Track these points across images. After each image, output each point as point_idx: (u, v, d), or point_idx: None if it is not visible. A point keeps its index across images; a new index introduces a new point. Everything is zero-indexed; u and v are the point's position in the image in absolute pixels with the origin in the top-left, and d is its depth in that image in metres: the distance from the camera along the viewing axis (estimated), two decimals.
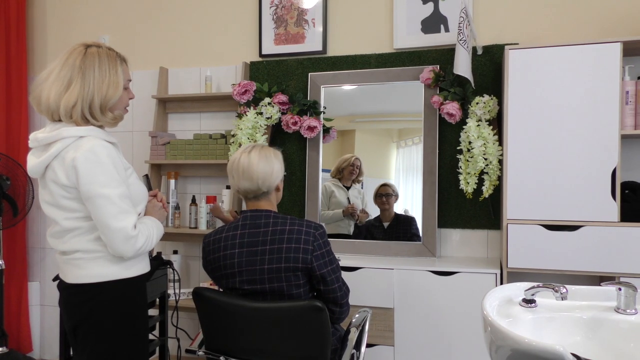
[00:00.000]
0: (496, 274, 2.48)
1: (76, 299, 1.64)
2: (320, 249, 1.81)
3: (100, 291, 1.62)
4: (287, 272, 1.78)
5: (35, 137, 1.62)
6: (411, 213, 2.90)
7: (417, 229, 2.88)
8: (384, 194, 2.97)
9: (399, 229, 2.94)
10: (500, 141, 2.65)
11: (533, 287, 1.38)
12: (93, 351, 1.64)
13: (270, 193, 1.90)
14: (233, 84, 3.16)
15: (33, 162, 1.61)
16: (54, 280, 1.85)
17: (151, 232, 1.66)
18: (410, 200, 2.91)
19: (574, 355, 1.01)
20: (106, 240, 1.57)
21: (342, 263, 2.68)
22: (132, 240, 1.57)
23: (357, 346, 1.97)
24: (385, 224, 2.95)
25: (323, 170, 3.08)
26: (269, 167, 1.86)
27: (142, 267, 1.72)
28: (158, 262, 2.49)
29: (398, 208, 2.96)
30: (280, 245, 1.78)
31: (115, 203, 1.55)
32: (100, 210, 1.54)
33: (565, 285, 1.35)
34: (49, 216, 1.65)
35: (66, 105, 1.57)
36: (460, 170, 2.72)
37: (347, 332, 1.95)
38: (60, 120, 1.61)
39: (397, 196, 2.96)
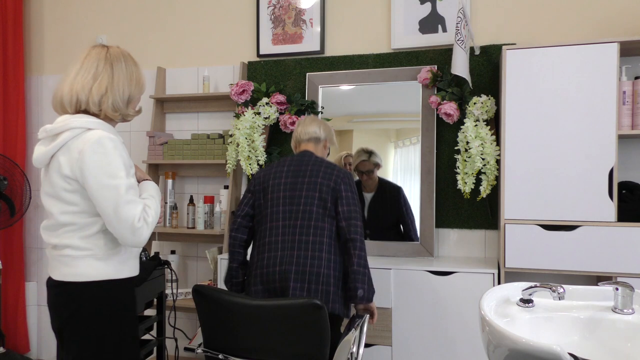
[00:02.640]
0: (494, 273, 2.49)
1: (62, 298, 1.63)
2: (347, 178, 2.18)
3: (87, 291, 1.60)
4: (319, 200, 2.13)
5: (44, 128, 1.63)
6: (410, 214, 2.90)
7: (405, 200, 2.85)
8: (364, 171, 2.94)
9: (385, 200, 2.87)
10: (497, 141, 2.66)
11: (530, 287, 1.38)
12: (78, 355, 1.61)
13: (321, 141, 2.36)
14: (231, 84, 3.16)
15: (39, 152, 1.61)
16: None
17: (154, 211, 1.64)
18: (408, 200, 2.91)
19: (571, 355, 1.01)
20: (114, 233, 1.57)
21: None
22: (138, 232, 1.57)
23: (355, 346, 1.97)
24: (369, 195, 2.90)
25: None
26: (330, 130, 2.43)
27: (131, 269, 1.70)
28: (155, 262, 2.49)
29: (385, 174, 2.94)
30: (316, 179, 2.16)
31: (121, 194, 1.54)
32: (106, 202, 1.53)
33: (563, 285, 1.35)
34: (47, 208, 1.63)
35: (97, 94, 1.60)
36: (458, 170, 2.72)
37: (345, 332, 1.95)
38: (71, 113, 1.62)
39: (378, 165, 2.92)
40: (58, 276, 1.63)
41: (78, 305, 1.60)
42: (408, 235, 2.87)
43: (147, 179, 1.76)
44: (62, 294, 1.63)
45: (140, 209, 1.58)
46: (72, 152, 1.56)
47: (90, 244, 1.61)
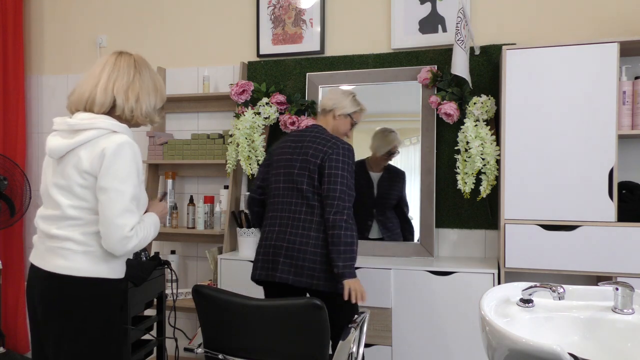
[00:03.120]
0: (494, 273, 2.49)
1: (54, 291, 1.63)
2: (336, 155, 2.16)
3: (81, 287, 1.63)
4: (308, 178, 2.18)
5: (65, 121, 1.65)
6: (409, 213, 2.90)
7: (403, 183, 2.92)
8: (393, 153, 2.97)
9: (392, 181, 2.94)
10: (497, 141, 2.66)
11: (530, 287, 1.38)
12: (70, 348, 1.63)
13: (328, 112, 2.35)
14: (231, 84, 3.16)
15: (58, 143, 1.63)
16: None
17: (147, 233, 1.69)
18: (408, 200, 2.91)
19: (571, 355, 1.01)
20: (103, 233, 1.60)
21: None
22: (125, 241, 1.60)
23: (355, 346, 1.97)
24: (376, 175, 2.95)
25: None
26: (342, 97, 2.36)
27: (122, 271, 1.74)
28: (155, 262, 2.49)
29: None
30: (306, 157, 2.20)
31: (125, 201, 1.59)
32: (110, 203, 1.58)
33: (563, 285, 1.35)
34: (54, 200, 1.64)
35: (133, 99, 1.68)
36: (458, 170, 2.72)
37: (346, 332, 1.95)
38: (96, 113, 1.66)
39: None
40: (52, 267, 1.63)
41: (72, 299, 1.62)
42: (405, 216, 2.92)
43: (152, 212, 1.81)
44: (54, 287, 1.63)
45: (136, 221, 1.63)
46: (95, 149, 1.60)
47: (92, 240, 1.64)
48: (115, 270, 1.69)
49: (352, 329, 1.94)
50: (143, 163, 3.29)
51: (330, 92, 2.41)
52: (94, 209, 1.63)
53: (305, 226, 2.16)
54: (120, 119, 1.70)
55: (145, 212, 1.79)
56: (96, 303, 1.64)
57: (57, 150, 1.64)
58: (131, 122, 1.73)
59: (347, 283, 2.10)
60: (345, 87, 3.06)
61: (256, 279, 2.24)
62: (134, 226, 1.62)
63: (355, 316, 2.05)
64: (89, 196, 1.62)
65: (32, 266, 1.72)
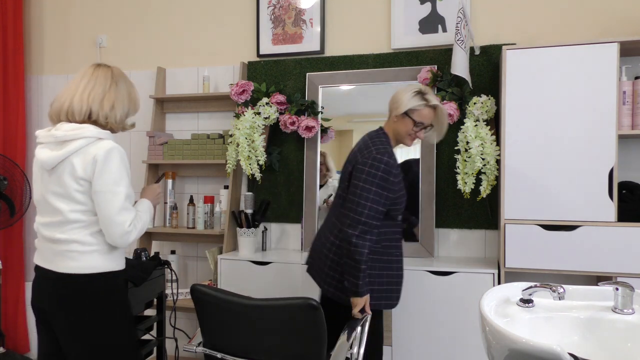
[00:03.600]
0: (494, 273, 2.49)
1: (69, 289, 1.77)
2: (363, 164, 2.05)
3: (93, 282, 1.77)
4: (342, 185, 2.18)
5: (52, 134, 1.77)
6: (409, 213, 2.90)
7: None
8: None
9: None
10: (497, 141, 2.66)
11: (530, 287, 1.38)
12: (93, 341, 1.77)
13: (390, 116, 2.19)
14: (231, 84, 3.16)
15: (48, 155, 1.75)
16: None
17: (144, 222, 1.86)
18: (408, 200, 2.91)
19: (571, 355, 1.01)
20: (105, 232, 1.77)
21: None
22: (126, 236, 1.77)
23: (356, 346, 1.97)
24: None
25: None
26: (401, 93, 2.15)
27: (123, 262, 1.90)
28: (155, 262, 2.49)
29: None
30: (346, 163, 2.19)
31: (120, 200, 1.75)
32: (107, 204, 1.74)
33: (563, 285, 1.35)
34: (54, 207, 1.77)
35: (107, 107, 1.82)
36: (458, 170, 2.72)
37: (345, 332, 1.95)
38: (78, 122, 1.79)
39: None
40: (63, 269, 1.76)
41: (86, 295, 1.77)
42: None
43: (145, 198, 1.99)
44: (67, 286, 1.76)
45: (133, 216, 1.80)
46: (86, 156, 1.74)
47: (96, 239, 1.78)
48: (118, 263, 1.85)
49: (349, 329, 1.94)
50: (143, 163, 3.31)
51: (399, 93, 2.16)
52: (92, 210, 1.77)
53: (332, 230, 2.17)
54: (101, 126, 1.83)
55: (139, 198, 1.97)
56: (108, 294, 1.80)
57: (49, 162, 1.75)
58: (105, 127, 1.84)
59: (353, 300, 2.06)
60: (345, 87, 3.06)
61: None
62: (131, 221, 1.78)
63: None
64: (86, 200, 1.76)
65: (39, 268, 1.83)
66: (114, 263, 1.83)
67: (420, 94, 2.11)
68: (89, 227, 1.77)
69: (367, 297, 2.05)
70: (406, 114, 2.11)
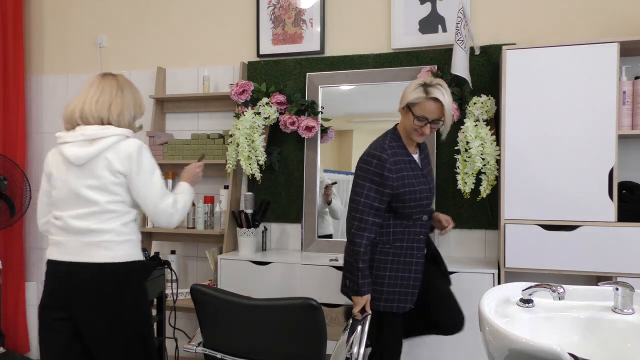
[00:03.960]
0: (494, 273, 2.49)
1: (108, 278, 1.87)
2: (359, 162, 2.10)
3: (131, 270, 1.92)
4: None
5: (81, 133, 1.92)
6: None
7: None
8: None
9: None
10: (497, 141, 2.66)
11: (530, 287, 1.38)
12: (124, 327, 1.89)
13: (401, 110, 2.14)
14: (231, 84, 3.16)
15: (79, 151, 1.89)
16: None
17: (184, 203, 2.04)
18: None
19: (571, 355, 1.01)
20: (153, 219, 1.98)
21: (340, 263, 2.69)
22: (171, 217, 1.97)
23: (356, 346, 1.97)
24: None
25: (324, 171, 3.08)
26: (408, 87, 2.11)
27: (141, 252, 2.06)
28: (155, 262, 2.49)
29: None
30: None
31: (158, 189, 1.94)
32: (149, 192, 1.92)
33: (563, 285, 1.35)
34: (89, 199, 1.88)
35: (115, 112, 1.99)
36: (458, 170, 2.72)
37: (345, 333, 1.95)
38: (99, 124, 1.95)
39: None
40: (99, 259, 1.86)
41: (126, 282, 1.90)
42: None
43: (182, 181, 2.17)
44: (107, 275, 1.87)
45: (172, 200, 1.98)
46: (120, 152, 1.90)
47: (129, 229, 1.94)
48: (141, 253, 2.00)
49: (348, 330, 1.94)
50: None
51: (410, 86, 2.10)
52: (125, 202, 1.93)
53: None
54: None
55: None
56: (141, 281, 1.97)
57: (82, 157, 1.89)
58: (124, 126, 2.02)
59: (353, 299, 2.07)
60: (345, 87, 3.06)
61: None
62: (172, 204, 1.96)
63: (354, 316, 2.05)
64: (121, 191, 1.91)
65: (62, 263, 1.89)
66: (139, 253, 1.98)
67: (424, 86, 2.03)
68: (122, 218, 1.91)
69: (367, 297, 2.05)
70: (408, 107, 2.07)
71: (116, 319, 1.88)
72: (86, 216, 1.88)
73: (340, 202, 3.08)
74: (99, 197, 1.89)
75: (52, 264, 1.92)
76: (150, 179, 1.93)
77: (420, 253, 2.14)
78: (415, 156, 2.18)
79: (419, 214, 2.13)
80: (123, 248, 1.90)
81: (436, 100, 2.02)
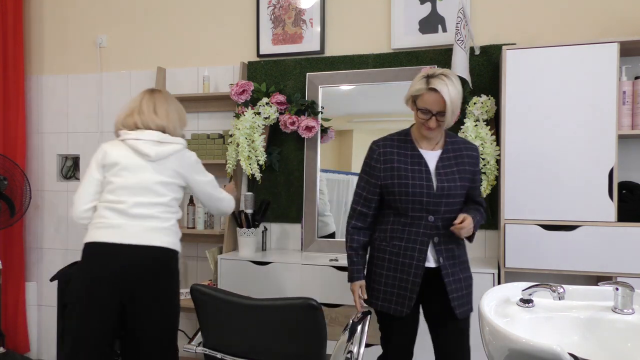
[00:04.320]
0: (494, 274, 2.49)
1: (165, 258, 2.16)
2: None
3: (175, 257, 2.21)
4: None
5: (153, 135, 2.20)
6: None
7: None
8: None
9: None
10: (497, 141, 2.66)
11: (530, 287, 1.38)
12: (171, 304, 2.18)
13: None
14: (231, 84, 3.16)
15: (155, 150, 2.18)
16: (52, 279, 1.93)
17: (230, 198, 2.46)
18: None
19: (571, 354, 1.01)
20: (217, 207, 2.40)
21: (341, 263, 2.69)
22: (230, 204, 2.45)
23: (356, 346, 1.96)
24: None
25: (321, 171, 3.08)
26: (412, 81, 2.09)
27: None
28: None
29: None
30: None
31: (214, 186, 2.37)
32: (209, 190, 2.34)
33: (563, 285, 1.35)
34: (158, 191, 2.17)
35: (172, 124, 2.29)
36: None
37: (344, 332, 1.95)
38: (161, 132, 2.25)
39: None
40: (162, 243, 2.14)
41: (174, 266, 2.20)
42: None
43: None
44: (163, 256, 2.16)
45: (224, 193, 2.44)
46: (183, 159, 2.25)
47: (177, 223, 2.26)
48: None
49: (348, 329, 1.94)
50: None
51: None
52: (179, 201, 2.27)
53: None
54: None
55: None
56: (178, 270, 2.24)
57: (158, 154, 2.18)
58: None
59: (351, 287, 2.13)
60: (345, 87, 3.06)
61: None
62: (228, 196, 2.44)
63: (354, 316, 2.05)
64: (179, 193, 2.26)
65: (116, 245, 2.08)
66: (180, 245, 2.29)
67: (427, 77, 1.95)
68: (176, 214, 2.24)
69: (356, 285, 2.09)
70: (413, 100, 2.01)
71: (159, 297, 2.13)
72: (150, 205, 2.15)
73: (335, 200, 3.08)
74: (168, 192, 2.19)
75: (101, 246, 2.09)
76: (207, 178, 2.33)
77: (422, 256, 1.99)
78: (430, 152, 2.04)
79: (418, 211, 1.99)
80: (175, 238, 2.21)
81: (436, 91, 1.92)
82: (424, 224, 2.00)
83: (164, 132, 2.24)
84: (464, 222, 1.94)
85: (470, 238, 2.08)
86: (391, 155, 2.05)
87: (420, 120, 1.99)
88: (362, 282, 2.09)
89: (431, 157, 2.04)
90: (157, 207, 2.17)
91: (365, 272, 2.12)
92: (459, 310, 2.04)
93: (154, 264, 2.12)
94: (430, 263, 2.03)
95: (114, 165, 2.17)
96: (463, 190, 2.03)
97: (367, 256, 2.15)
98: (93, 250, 2.11)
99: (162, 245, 2.14)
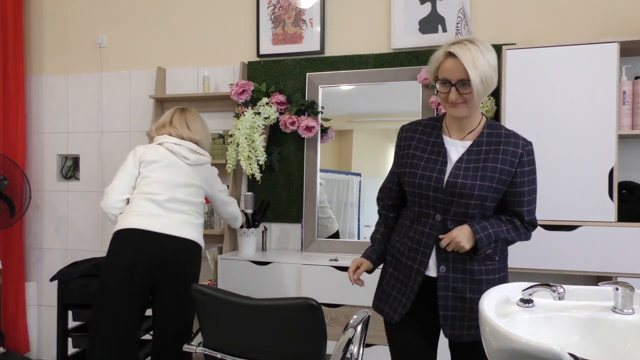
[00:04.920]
0: None
1: (193, 249, 2.37)
2: None
3: (199, 251, 2.42)
4: None
5: (189, 144, 2.48)
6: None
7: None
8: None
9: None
10: None
11: (530, 287, 1.38)
12: (188, 294, 2.28)
13: None
14: (231, 84, 3.16)
15: (193, 155, 2.46)
16: (51, 279, 1.92)
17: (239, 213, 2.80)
18: None
19: (571, 355, 1.01)
20: (231, 212, 2.72)
21: (341, 263, 2.69)
22: (238, 210, 2.78)
23: (356, 346, 1.96)
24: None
25: (321, 171, 3.08)
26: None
27: None
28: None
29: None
30: None
31: (227, 194, 2.70)
32: (224, 198, 2.65)
33: (563, 285, 1.35)
34: (189, 191, 2.41)
35: (203, 140, 2.57)
36: None
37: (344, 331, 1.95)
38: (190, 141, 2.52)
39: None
40: (190, 236, 2.35)
41: (195, 259, 2.39)
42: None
43: None
44: (187, 248, 2.35)
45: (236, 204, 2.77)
46: (211, 172, 2.56)
47: (202, 223, 2.50)
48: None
49: (352, 328, 1.94)
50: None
51: None
52: (204, 206, 2.53)
53: None
54: None
55: None
56: (200, 262, 2.46)
57: (195, 160, 2.45)
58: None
59: None
60: (345, 87, 3.06)
61: None
62: (238, 209, 2.77)
63: (355, 315, 2.05)
64: (203, 199, 2.52)
65: (151, 232, 2.26)
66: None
67: (448, 44, 1.73)
68: (202, 217, 2.48)
69: (355, 262, 1.93)
70: (435, 77, 1.75)
71: (186, 286, 2.29)
72: (183, 202, 2.37)
73: (335, 200, 3.08)
74: (197, 194, 2.44)
75: (139, 232, 2.25)
76: (224, 189, 2.65)
77: (425, 260, 1.75)
78: (458, 142, 1.76)
79: (425, 207, 1.75)
80: (201, 236, 2.43)
81: (454, 56, 1.66)
82: (431, 223, 1.75)
83: (196, 144, 2.48)
84: (448, 237, 1.67)
85: (474, 250, 1.71)
86: (411, 140, 1.83)
87: (442, 96, 1.71)
88: (364, 261, 1.91)
89: (457, 147, 1.75)
90: (189, 205, 2.38)
91: (376, 259, 1.94)
92: (450, 331, 1.76)
93: (184, 254, 2.32)
94: (430, 271, 1.76)
95: (153, 162, 2.37)
96: (488, 192, 1.68)
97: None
98: (127, 236, 2.26)
99: (192, 239, 2.34)
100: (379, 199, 1.99)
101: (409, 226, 1.82)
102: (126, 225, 2.28)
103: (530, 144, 1.75)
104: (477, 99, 1.67)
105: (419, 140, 1.81)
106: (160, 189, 2.34)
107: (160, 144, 2.45)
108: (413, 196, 1.78)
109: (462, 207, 1.70)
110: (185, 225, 2.34)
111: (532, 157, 1.74)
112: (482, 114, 1.81)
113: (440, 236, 1.70)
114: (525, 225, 1.76)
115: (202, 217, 2.47)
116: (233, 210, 2.71)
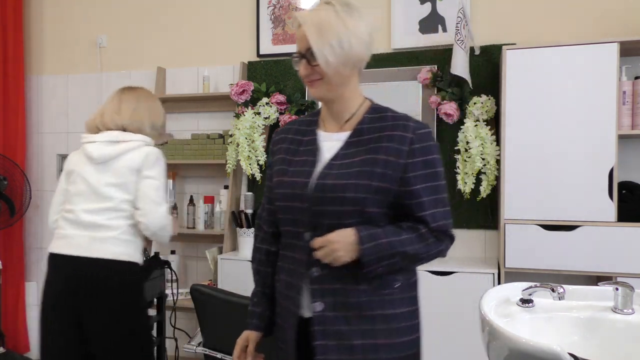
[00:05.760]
0: (494, 274, 2.49)
1: (112, 272, 1.94)
2: None
3: (132, 269, 1.98)
4: None
5: (108, 134, 2.04)
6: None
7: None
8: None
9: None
10: (497, 141, 2.66)
11: (530, 287, 1.38)
12: (128, 322, 1.96)
13: None
14: (231, 84, 3.16)
15: (103, 150, 2.01)
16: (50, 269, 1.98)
17: (171, 222, 2.09)
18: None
19: (571, 355, 1.01)
20: (147, 213, 1.97)
21: None
22: (165, 222, 2.00)
23: None
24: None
25: None
26: None
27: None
28: (156, 262, 2.49)
29: None
30: None
31: (160, 191, 2.02)
32: (149, 191, 2.00)
33: (563, 285, 1.35)
34: (106, 195, 1.98)
35: (136, 122, 2.10)
36: (458, 170, 2.72)
37: None
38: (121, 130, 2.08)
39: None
40: (105, 254, 1.93)
41: (127, 280, 1.96)
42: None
43: None
44: (111, 270, 1.94)
45: (167, 210, 2.04)
46: (140, 153, 2.02)
47: (133, 230, 2.00)
48: (141, 257, 2.06)
49: None
50: None
51: None
52: (132, 201, 1.99)
53: None
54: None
55: None
56: (140, 282, 2.03)
57: (104, 156, 2.01)
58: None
59: None
60: None
61: None
62: (167, 213, 2.03)
63: None
64: (133, 191, 2.00)
65: (69, 257, 1.95)
66: (139, 257, 2.04)
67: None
68: (129, 219, 1.99)
69: (239, 341, 1.45)
70: None
71: (116, 314, 1.94)
72: (98, 211, 1.97)
73: None
74: (115, 193, 1.99)
75: (55, 257, 1.99)
76: (160, 178, 2.06)
77: (297, 297, 1.30)
78: (333, 135, 1.40)
79: (292, 225, 1.33)
80: (127, 247, 1.98)
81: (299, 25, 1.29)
82: (300, 246, 1.31)
83: (124, 130, 2.08)
84: (323, 240, 1.23)
85: (364, 266, 1.23)
86: (282, 143, 1.45)
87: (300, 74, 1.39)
88: (250, 335, 1.42)
89: (333, 141, 1.39)
90: (106, 212, 1.98)
91: (261, 323, 1.43)
92: None
93: (105, 278, 1.93)
94: (304, 310, 1.31)
95: (71, 173, 2.08)
96: (367, 194, 1.24)
97: None
98: (48, 261, 2.05)
99: (111, 258, 1.94)
100: (257, 228, 1.49)
101: (282, 256, 1.39)
102: (50, 249, 2.07)
103: (425, 126, 1.32)
104: (336, 74, 1.31)
105: (291, 142, 1.43)
106: (73, 203, 2.02)
107: (81, 145, 2.12)
108: (280, 213, 1.36)
109: (334, 217, 1.25)
110: (101, 242, 1.95)
111: (427, 143, 1.30)
112: (366, 97, 1.43)
113: (315, 239, 1.25)
114: (434, 234, 1.28)
115: (128, 219, 2.00)
116: (159, 217, 2.00)
